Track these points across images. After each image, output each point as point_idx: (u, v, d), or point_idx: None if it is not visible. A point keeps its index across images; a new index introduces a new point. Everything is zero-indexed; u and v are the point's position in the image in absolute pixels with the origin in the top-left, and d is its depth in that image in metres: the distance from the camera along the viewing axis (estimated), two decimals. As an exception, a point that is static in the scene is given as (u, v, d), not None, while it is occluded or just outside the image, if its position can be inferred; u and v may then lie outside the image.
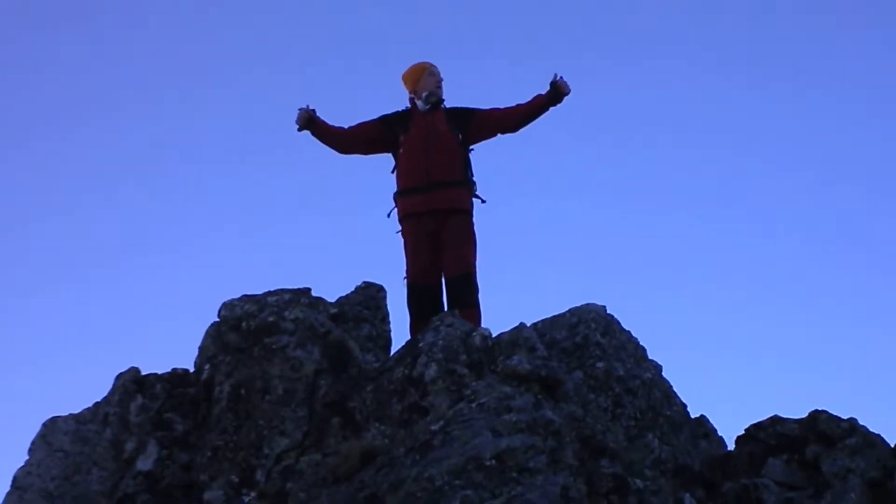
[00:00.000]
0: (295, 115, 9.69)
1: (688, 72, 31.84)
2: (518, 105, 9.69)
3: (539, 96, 9.62)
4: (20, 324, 30.65)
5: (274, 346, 8.78)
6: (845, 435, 8.10)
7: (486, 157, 9.92)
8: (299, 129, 9.68)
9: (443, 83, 9.83)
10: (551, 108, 9.64)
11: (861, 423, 8.27)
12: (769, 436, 8.37)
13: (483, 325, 9.00)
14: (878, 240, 31.08)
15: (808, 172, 31.54)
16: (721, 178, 31.81)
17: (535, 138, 9.80)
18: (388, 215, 9.66)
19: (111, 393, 9.35)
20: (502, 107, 9.76)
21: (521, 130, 9.81)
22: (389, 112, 9.80)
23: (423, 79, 9.76)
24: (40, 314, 30.25)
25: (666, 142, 31.27)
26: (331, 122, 9.80)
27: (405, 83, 9.89)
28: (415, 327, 9.26)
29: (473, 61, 29.64)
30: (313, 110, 9.68)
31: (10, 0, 31.75)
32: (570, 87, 9.57)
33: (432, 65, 9.89)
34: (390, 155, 9.75)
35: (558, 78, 9.55)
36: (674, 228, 31.29)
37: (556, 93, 9.55)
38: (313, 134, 9.73)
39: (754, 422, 8.60)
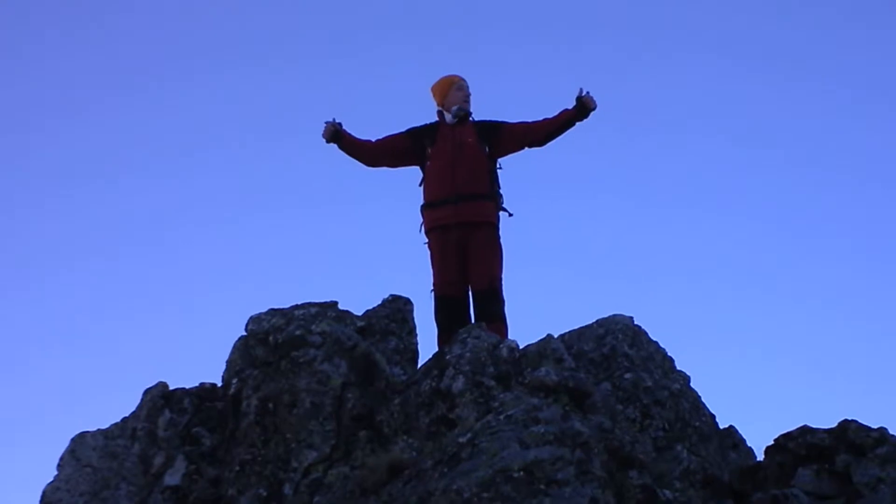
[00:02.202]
0: (322, 128, 9.73)
1: (721, 72, 31.84)
2: (545, 119, 9.70)
3: (566, 111, 9.63)
4: (49, 339, 30.87)
5: (301, 360, 8.77)
6: (875, 444, 7.92)
7: (514, 167, 9.94)
8: (327, 142, 9.73)
9: (470, 97, 9.84)
10: (577, 124, 9.65)
11: (892, 432, 8.07)
12: (799, 446, 8.19)
13: (510, 336, 9.02)
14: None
15: (847, 176, 31.54)
16: (749, 184, 31.72)
17: (562, 145, 9.78)
18: (420, 230, 9.69)
19: (139, 408, 9.38)
20: (529, 120, 9.77)
21: (548, 144, 9.82)
22: (417, 125, 9.83)
23: (451, 93, 9.79)
24: (69, 329, 30.38)
25: (698, 148, 31.32)
26: (358, 135, 9.84)
27: (433, 95, 9.91)
28: (443, 340, 9.27)
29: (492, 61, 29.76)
30: (339, 123, 9.72)
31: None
32: (597, 103, 9.57)
33: (461, 78, 9.91)
34: (417, 167, 9.78)
35: (584, 93, 9.56)
36: (698, 237, 31.34)
37: (583, 108, 9.56)
38: (340, 147, 9.77)
39: (783, 432, 8.43)
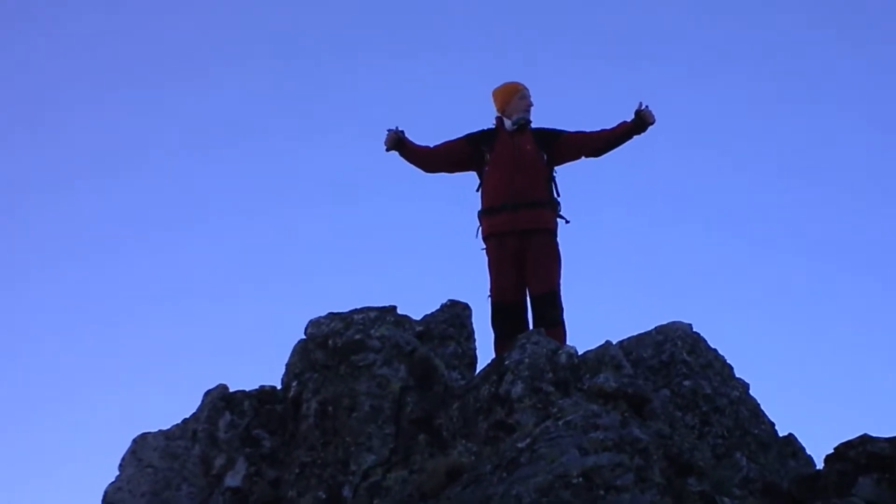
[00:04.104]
0: (384, 136, 9.73)
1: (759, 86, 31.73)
2: (603, 130, 9.68)
3: (624, 123, 9.62)
4: (111, 342, 31.27)
5: (360, 364, 8.81)
6: None
7: (570, 174, 9.93)
8: (387, 150, 9.74)
9: (532, 108, 9.81)
10: (635, 137, 9.65)
11: None
12: (859, 454, 7.93)
13: (568, 342, 9.03)
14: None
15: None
16: (802, 194, 31.66)
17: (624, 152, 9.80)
18: (476, 235, 9.68)
19: (200, 409, 9.47)
20: (588, 130, 9.75)
21: (605, 155, 9.80)
22: (475, 130, 9.81)
23: (513, 100, 9.75)
24: (131, 333, 30.72)
25: (759, 154, 31.18)
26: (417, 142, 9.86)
27: (494, 100, 9.89)
28: (499, 345, 9.30)
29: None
30: (402, 131, 9.72)
31: None
32: (655, 118, 9.55)
33: (524, 87, 9.86)
34: (474, 173, 9.79)
35: (644, 107, 9.54)
36: (755, 247, 31.16)
37: (641, 122, 9.55)
38: (401, 154, 9.78)
39: (844, 440, 8.18)
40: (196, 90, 32.88)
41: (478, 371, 9.08)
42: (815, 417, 23.91)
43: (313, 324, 9.43)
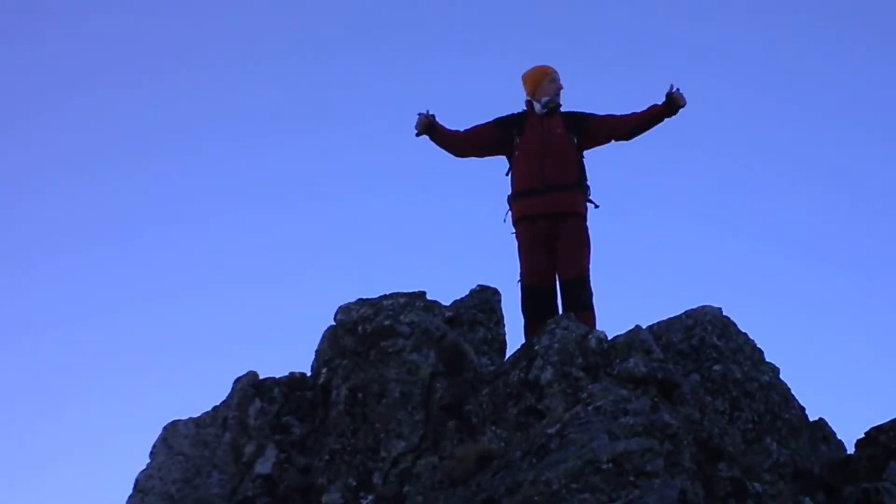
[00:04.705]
0: (415, 120, 9.78)
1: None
2: (633, 113, 9.69)
3: (654, 106, 9.63)
4: (142, 329, 31.61)
5: (390, 350, 8.85)
6: None
7: (601, 160, 9.96)
8: (417, 135, 9.79)
9: (561, 91, 9.81)
10: (666, 120, 9.64)
11: None
12: (890, 439, 8.40)
13: (598, 327, 9.01)
14: None
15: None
16: (833, 173, 31.65)
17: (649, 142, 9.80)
18: (504, 220, 9.69)
19: (230, 397, 9.51)
20: (617, 114, 9.77)
21: (635, 139, 9.82)
22: (504, 115, 9.85)
23: (543, 84, 9.78)
24: (161, 321, 31.10)
25: (781, 142, 31.11)
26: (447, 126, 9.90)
27: (524, 84, 9.91)
28: (529, 330, 9.31)
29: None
30: (433, 115, 9.77)
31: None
32: (686, 100, 9.56)
33: (554, 70, 9.88)
34: (504, 157, 9.81)
35: (675, 90, 9.54)
36: (788, 229, 31.19)
37: (672, 104, 9.55)
38: (432, 139, 9.82)
39: (874, 425, 8.63)
40: (244, 77, 33.24)
41: (507, 356, 9.09)
42: (845, 402, 24.04)
43: (343, 310, 9.47)
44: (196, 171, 32.83)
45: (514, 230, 9.64)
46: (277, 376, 9.59)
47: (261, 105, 33.29)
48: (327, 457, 8.57)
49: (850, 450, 8.96)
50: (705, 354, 9.25)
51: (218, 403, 9.56)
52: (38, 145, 32.58)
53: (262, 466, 8.83)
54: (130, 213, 32.67)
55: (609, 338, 8.36)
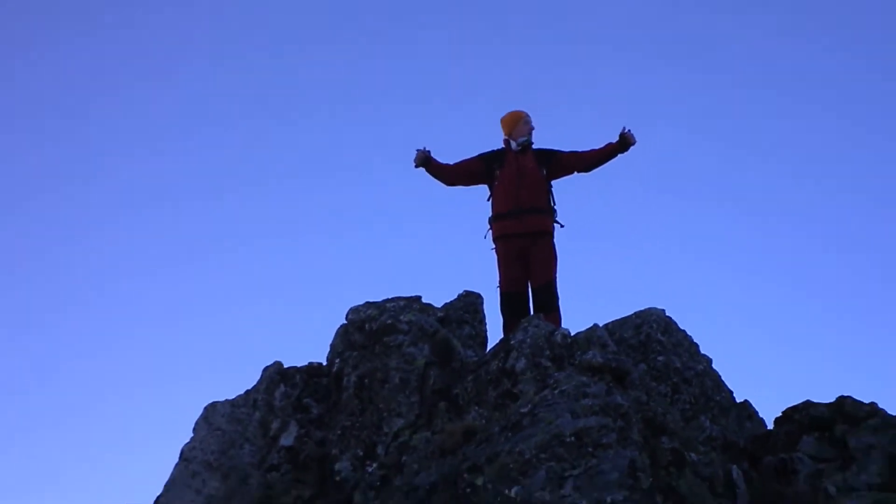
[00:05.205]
0: (414, 154, 10.36)
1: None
2: (592, 150, 10.24)
3: (610, 144, 10.18)
4: (192, 330, 34.47)
5: (392, 344, 9.36)
6: (868, 416, 8.42)
7: (565, 188, 10.47)
8: (416, 167, 10.28)
9: (533, 131, 10.34)
10: (619, 156, 10.20)
11: (881, 406, 8.57)
12: (803, 417, 8.72)
13: (563, 326, 9.48)
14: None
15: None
16: (744, 173, 33.42)
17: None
18: (485, 237, 10.11)
19: (259, 382, 10.03)
20: (579, 150, 10.27)
21: (593, 171, 10.34)
22: (486, 150, 10.38)
23: (518, 126, 10.37)
24: (207, 322, 33.73)
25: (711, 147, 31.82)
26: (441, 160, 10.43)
27: (503, 126, 10.44)
28: (506, 328, 9.90)
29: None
30: (429, 151, 10.31)
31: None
32: (636, 139, 10.12)
33: (527, 114, 10.43)
34: (485, 186, 10.28)
35: (626, 130, 10.12)
36: (718, 245, 32.87)
37: (624, 142, 10.13)
38: (427, 171, 10.35)
39: (790, 405, 8.97)
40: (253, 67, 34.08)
41: (488, 349, 9.50)
42: (766, 386, 25.54)
43: (353, 311, 9.96)
44: (246, 204, 33.78)
45: (493, 246, 10.30)
46: (299, 365, 10.05)
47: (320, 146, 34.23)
48: (339, 432, 9.06)
49: (770, 426, 9.24)
50: (651, 348, 9.81)
51: (249, 388, 10.03)
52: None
53: (286, 440, 9.29)
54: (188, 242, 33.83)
55: (572, 334, 8.76)
